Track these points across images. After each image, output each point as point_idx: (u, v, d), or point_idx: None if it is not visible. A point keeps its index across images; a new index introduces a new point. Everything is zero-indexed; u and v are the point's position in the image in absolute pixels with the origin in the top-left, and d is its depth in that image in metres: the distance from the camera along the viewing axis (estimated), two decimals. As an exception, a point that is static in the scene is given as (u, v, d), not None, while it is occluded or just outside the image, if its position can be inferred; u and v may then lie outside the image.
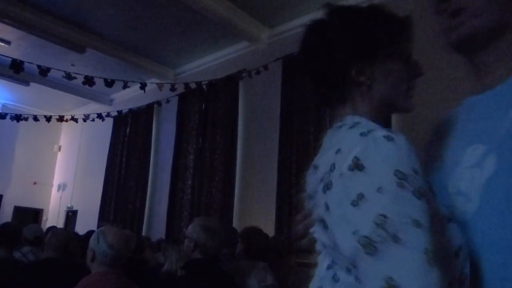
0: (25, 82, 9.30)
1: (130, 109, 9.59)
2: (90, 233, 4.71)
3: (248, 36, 7.04)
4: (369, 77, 0.84)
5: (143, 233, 8.27)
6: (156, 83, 7.94)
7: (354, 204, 0.64)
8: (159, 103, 8.73)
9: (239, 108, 7.25)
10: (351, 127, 0.77)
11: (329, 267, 0.76)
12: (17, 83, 9.31)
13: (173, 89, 7.72)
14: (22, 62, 6.36)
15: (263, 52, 7.05)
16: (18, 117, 8.95)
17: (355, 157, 0.67)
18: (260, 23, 6.88)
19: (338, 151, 0.72)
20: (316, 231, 0.78)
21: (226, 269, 2.49)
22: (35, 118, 8.98)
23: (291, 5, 6.21)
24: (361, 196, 0.64)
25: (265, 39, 7.14)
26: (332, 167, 0.71)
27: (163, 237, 7.06)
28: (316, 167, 0.79)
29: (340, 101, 0.86)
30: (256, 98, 7.13)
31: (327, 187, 0.71)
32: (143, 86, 7.60)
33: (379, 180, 0.64)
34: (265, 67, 6.66)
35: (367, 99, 0.85)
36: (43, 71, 6.63)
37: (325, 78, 0.87)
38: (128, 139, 9.72)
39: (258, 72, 6.81)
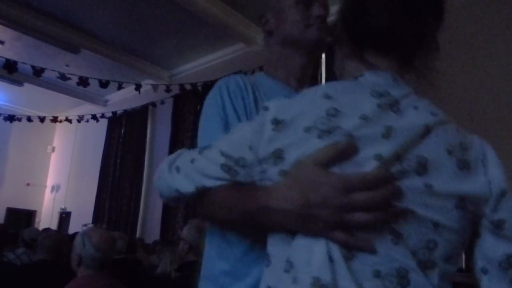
0: (19, 83, 9.24)
1: (124, 110, 9.56)
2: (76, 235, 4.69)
3: (244, 38, 7.04)
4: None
5: (137, 234, 8.23)
6: (151, 84, 7.91)
7: None
8: (154, 104, 8.70)
9: (234, 110, 7.22)
10: None
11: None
12: (11, 84, 9.25)
13: (168, 90, 7.69)
14: (15, 62, 6.32)
15: (258, 53, 7.05)
16: (11, 118, 8.89)
17: None
18: (256, 25, 6.88)
19: None
20: None
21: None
22: (29, 119, 8.92)
23: (286, 7, 6.21)
24: None
25: (261, 41, 7.13)
26: None
27: (158, 238, 7.02)
28: None
29: None
30: (251, 100, 7.10)
31: None
32: (138, 87, 7.58)
33: None
34: (261, 69, 6.64)
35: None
36: (37, 72, 6.59)
37: None
38: (123, 140, 9.68)
39: (253, 74, 6.79)
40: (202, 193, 0.82)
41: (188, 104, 8.18)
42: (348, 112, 0.70)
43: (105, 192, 9.61)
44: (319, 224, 0.67)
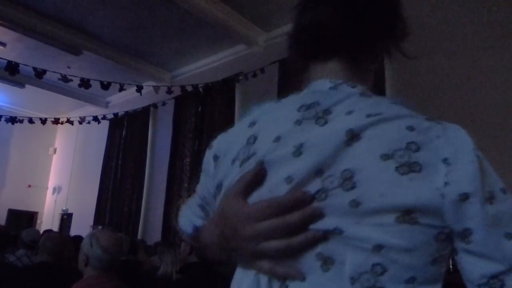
0: (21, 84, 9.25)
1: (126, 112, 9.57)
2: (78, 237, 4.68)
3: (245, 39, 7.04)
4: None
5: (139, 236, 8.23)
6: (153, 86, 7.92)
7: None
8: (155, 105, 8.70)
9: (236, 111, 7.24)
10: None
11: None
12: (12, 85, 9.26)
13: (169, 91, 7.70)
14: (17, 64, 6.33)
15: (259, 55, 7.05)
16: (13, 120, 8.89)
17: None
18: (257, 26, 6.89)
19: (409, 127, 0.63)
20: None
21: (223, 273, 2.48)
22: (30, 121, 8.93)
23: (287, 8, 6.17)
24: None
25: (261, 42, 7.14)
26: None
27: (159, 240, 7.02)
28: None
29: None
30: (252, 101, 7.07)
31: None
32: (139, 89, 7.58)
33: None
34: (262, 70, 6.66)
35: None
36: (39, 73, 6.60)
37: None
38: (124, 141, 9.69)
39: (254, 75, 6.81)
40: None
41: (189, 106, 8.18)
42: (264, 136, 0.69)
43: (107, 194, 9.61)
44: (241, 255, 0.66)
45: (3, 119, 8.84)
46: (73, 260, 2.98)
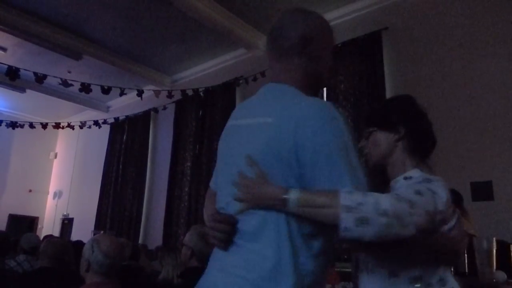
0: (21, 89, 9.26)
1: (127, 116, 9.57)
2: (78, 242, 4.67)
3: (245, 43, 7.05)
4: None
5: (140, 240, 8.22)
6: (153, 90, 7.92)
7: None
8: (156, 110, 8.71)
9: (236, 115, 7.22)
10: None
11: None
12: (13, 90, 9.27)
13: (170, 96, 7.70)
14: (18, 69, 6.33)
15: (260, 59, 7.05)
16: (13, 124, 8.90)
17: None
18: (257, 30, 6.89)
19: None
20: None
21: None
22: (31, 125, 8.93)
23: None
24: None
25: (262, 46, 7.14)
26: None
27: (160, 244, 7.00)
28: None
29: None
30: (253, 105, 7.10)
31: None
32: (140, 93, 7.58)
33: None
34: (262, 74, 6.66)
35: None
36: (39, 78, 6.60)
37: None
38: (125, 146, 9.69)
39: (255, 79, 6.81)
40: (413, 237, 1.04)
41: (190, 110, 8.19)
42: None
43: (108, 198, 9.60)
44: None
45: (3, 124, 8.85)
46: (74, 265, 2.97)
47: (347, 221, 0.95)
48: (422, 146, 1.32)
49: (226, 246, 1.10)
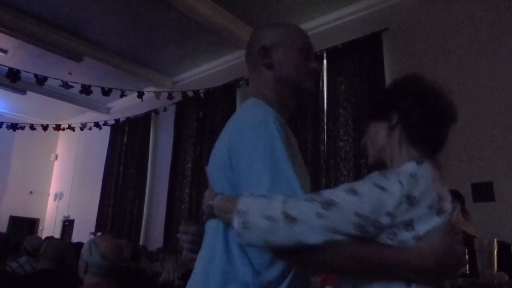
0: (22, 91, 9.27)
1: (127, 118, 9.58)
2: (79, 243, 4.67)
3: (245, 44, 7.02)
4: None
5: (141, 242, 8.21)
6: (154, 92, 7.93)
7: None
8: (156, 111, 8.72)
9: (237, 116, 7.22)
10: None
11: None
12: (14, 92, 9.28)
13: (170, 97, 7.71)
14: (18, 71, 6.35)
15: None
16: (14, 126, 8.91)
17: None
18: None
19: None
20: None
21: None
22: (32, 127, 8.94)
23: (288, 14, 6.24)
24: None
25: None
26: None
27: (161, 246, 7.00)
28: None
29: None
30: (253, 106, 7.11)
31: None
32: (140, 95, 7.59)
33: None
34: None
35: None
36: (40, 80, 6.62)
37: None
38: (126, 147, 9.69)
39: (255, 80, 6.80)
40: (328, 245, 0.91)
41: (190, 111, 8.19)
42: (444, 197, 0.99)
43: (108, 200, 9.60)
44: (448, 278, 1.02)
45: (4, 125, 8.86)
46: (75, 266, 2.97)
47: (237, 226, 0.91)
48: (419, 134, 1.08)
49: (192, 250, 1.23)
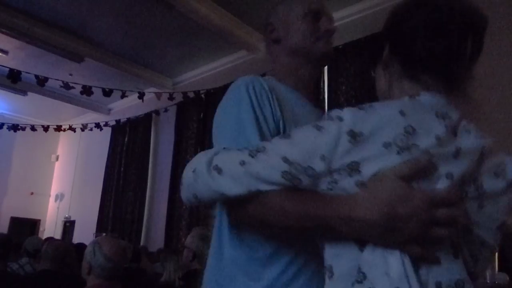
0: (23, 92, 9.28)
1: (128, 119, 9.58)
2: (80, 244, 4.68)
3: (246, 45, 7.05)
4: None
5: (141, 243, 8.21)
6: (154, 92, 7.93)
7: None
8: (157, 112, 8.72)
9: (238, 117, 7.23)
10: None
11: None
12: (15, 93, 9.29)
13: (171, 98, 7.71)
14: (19, 72, 6.35)
15: (261, 61, 7.05)
16: (15, 127, 8.92)
17: None
18: (258, 32, 6.89)
19: None
20: None
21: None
22: (33, 128, 8.95)
23: (288, 14, 6.24)
24: None
25: (263, 48, 7.13)
26: None
27: (162, 247, 7.00)
28: None
29: None
30: (254, 107, 7.11)
31: None
32: (141, 96, 7.60)
33: None
34: (263, 76, 6.66)
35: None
36: (41, 81, 6.62)
37: None
38: (126, 148, 9.69)
39: (256, 81, 6.80)
40: (252, 196, 0.79)
41: (191, 112, 8.19)
42: (422, 131, 0.73)
43: (109, 201, 9.60)
44: (402, 236, 0.70)
45: (5, 126, 8.87)
46: (76, 267, 2.97)
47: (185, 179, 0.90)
48: (411, 58, 0.85)
49: None
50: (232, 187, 0.79)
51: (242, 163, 0.78)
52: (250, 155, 0.79)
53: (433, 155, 0.72)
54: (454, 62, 0.83)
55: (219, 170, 0.81)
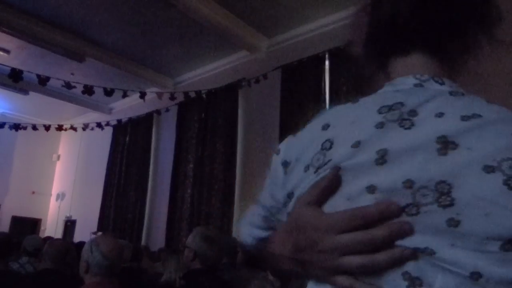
0: (24, 91, 9.30)
1: (129, 118, 9.59)
2: (81, 243, 4.68)
3: (247, 45, 7.05)
4: None
5: (142, 242, 8.22)
6: (156, 92, 7.94)
7: None
8: (158, 112, 8.72)
9: (239, 117, 7.24)
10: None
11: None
12: (16, 92, 9.31)
13: (172, 98, 7.71)
14: (21, 71, 6.35)
15: (262, 61, 7.06)
16: (17, 126, 8.92)
17: None
18: (259, 33, 6.90)
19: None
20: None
21: (226, 279, 2.46)
22: (34, 127, 8.96)
23: (290, 14, 6.24)
24: None
25: (264, 48, 7.15)
26: None
27: (163, 246, 7.01)
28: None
29: None
30: (255, 107, 7.13)
31: None
32: (142, 95, 7.60)
33: None
34: (264, 76, 6.67)
35: None
36: (43, 80, 6.62)
37: None
38: (128, 148, 9.70)
39: (257, 81, 6.81)
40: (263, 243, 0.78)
41: (192, 112, 8.19)
42: (341, 141, 0.61)
43: (110, 200, 9.61)
44: (316, 269, 0.60)
45: (7, 126, 8.87)
46: (77, 267, 2.98)
47: None
48: (383, 37, 0.72)
49: None
50: (243, 236, 0.83)
51: (249, 213, 0.81)
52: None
53: (344, 168, 0.59)
54: (422, 25, 0.66)
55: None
